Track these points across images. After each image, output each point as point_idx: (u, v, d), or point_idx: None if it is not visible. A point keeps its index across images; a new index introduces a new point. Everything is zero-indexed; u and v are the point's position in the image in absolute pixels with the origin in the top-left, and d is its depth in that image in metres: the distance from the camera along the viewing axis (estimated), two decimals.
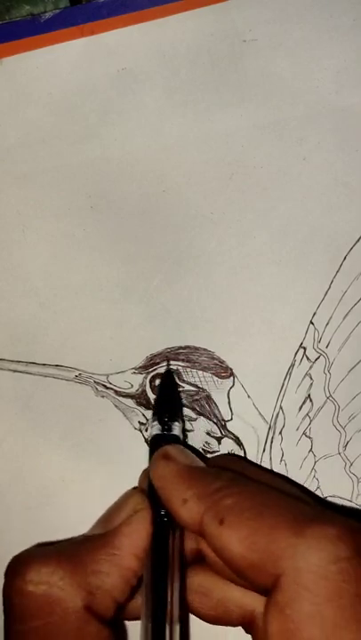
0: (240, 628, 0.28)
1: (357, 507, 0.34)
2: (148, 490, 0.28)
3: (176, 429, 0.30)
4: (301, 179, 0.32)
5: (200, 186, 0.32)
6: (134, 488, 0.30)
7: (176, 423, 0.30)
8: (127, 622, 0.31)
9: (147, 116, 0.31)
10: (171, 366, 0.33)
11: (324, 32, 0.30)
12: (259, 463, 0.34)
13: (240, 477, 0.26)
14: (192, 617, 0.29)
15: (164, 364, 0.33)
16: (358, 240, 0.32)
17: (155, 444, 0.30)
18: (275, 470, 0.34)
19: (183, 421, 0.32)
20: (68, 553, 0.26)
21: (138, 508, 0.28)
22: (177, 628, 0.25)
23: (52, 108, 0.31)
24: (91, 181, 0.32)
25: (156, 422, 0.30)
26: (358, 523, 0.23)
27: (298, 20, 0.31)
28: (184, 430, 0.32)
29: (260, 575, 0.23)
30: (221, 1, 0.30)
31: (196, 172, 0.32)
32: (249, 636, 0.27)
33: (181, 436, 0.31)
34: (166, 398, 0.32)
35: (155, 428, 0.30)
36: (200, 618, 0.28)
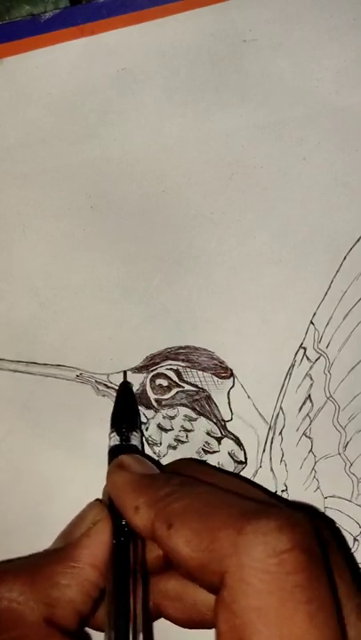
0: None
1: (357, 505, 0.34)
2: (108, 500, 0.29)
3: (134, 439, 0.31)
4: (301, 179, 0.32)
5: (200, 186, 0.32)
6: (96, 500, 0.30)
7: (134, 433, 0.31)
8: (94, 632, 0.31)
9: (147, 116, 0.31)
10: (127, 378, 0.33)
11: (324, 32, 0.30)
12: (259, 463, 0.34)
13: (190, 481, 0.27)
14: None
15: (164, 364, 0.33)
16: (358, 240, 0.32)
17: (113, 454, 0.30)
18: (274, 470, 0.34)
19: (142, 431, 0.33)
20: (26, 568, 0.27)
21: (96, 520, 0.28)
22: (140, 637, 0.25)
23: (51, 108, 0.31)
24: (91, 181, 0.32)
25: (114, 434, 0.31)
26: (305, 515, 0.23)
27: (298, 20, 0.31)
28: (142, 440, 0.33)
29: (208, 575, 0.23)
30: (221, 1, 0.30)
31: (196, 171, 0.32)
32: None
33: (140, 446, 0.31)
34: (123, 409, 0.32)
35: (113, 440, 0.31)
36: (175, 623, 0.29)
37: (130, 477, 0.27)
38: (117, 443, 0.31)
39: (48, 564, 0.27)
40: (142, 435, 0.33)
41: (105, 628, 0.26)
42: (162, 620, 0.29)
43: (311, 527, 0.23)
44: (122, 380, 0.33)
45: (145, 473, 0.28)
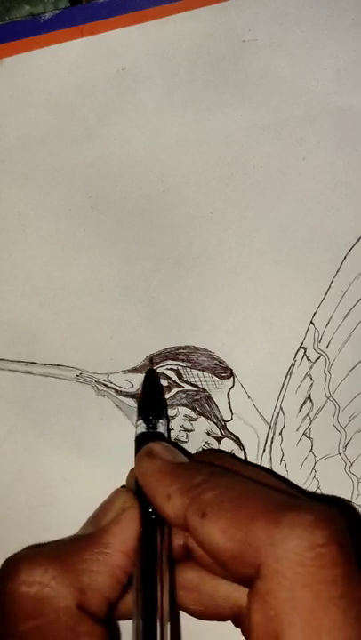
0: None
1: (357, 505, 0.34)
2: (135, 488, 0.29)
3: (161, 427, 0.31)
4: (301, 179, 0.32)
5: (200, 186, 0.32)
6: (122, 487, 0.30)
7: (161, 421, 0.31)
8: (121, 622, 0.32)
9: (146, 116, 0.31)
10: (154, 367, 0.33)
11: (324, 32, 0.30)
12: (259, 463, 0.34)
13: (221, 471, 0.27)
14: (186, 617, 0.29)
15: (164, 364, 0.33)
16: (358, 240, 0.32)
17: (140, 442, 0.30)
18: (274, 470, 0.34)
19: (168, 419, 0.33)
20: (58, 553, 0.27)
21: (126, 507, 0.28)
22: (168, 626, 0.26)
23: (51, 109, 0.31)
24: (91, 182, 0.32)
25: (141, 421, 0.31)
26: (337, 510, 0.24)
27: (298, 20, 0.31)
28: (169, 428, 0.33)
29: (243, 566, 0.23)
30: (221, 1, 0.30)
31: (196, 172, 0.32)
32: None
33: (166, 434, 0.31)
34: (150, 397, 0.32)
35: (140, 427, 0.31)
36: (190, 614, 0.29)
37: (160, 465, 0.27)
38: (144, 430, 0.31)
39: (78, 550, 0.27)
40: (169, 422, 0.33)
41: (133, 615, 0.26)
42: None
43: (343, 523, 0.23)
44: (123, 379, 0.33)
45: (175, 461, 0.28)
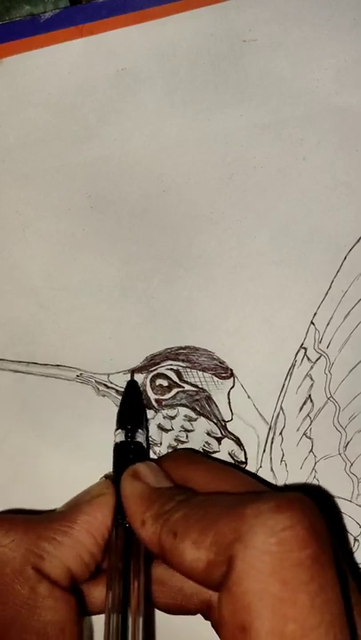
0: None
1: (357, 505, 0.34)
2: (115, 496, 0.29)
3: (139, 436, 0.31)
4: (301, 179, 0.32)
5: (200, 186, 0.32)
6: (105, 477, 0.31)
7: (139, 430, 0.31)
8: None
9: (146, 116, 0.31)
10: (134, 377, 0.33)
11: (324, 32, 0.30)
12: (259, 463, 0.34)
13: (193, 494, 0.27)
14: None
15: (164, 364, 0.33)
16: (358, 240, 0.32)
17: (118, 451, 0.31)
18: (274, 470, 0.34)
19: (147, 429, 0.33)
20: (25, 520, 0.28)
21: (102, 493, 0.29)
22: (140, 620, 0.26)
23: (51, 108, 0.31)
24: (90, 181, 0.32)
25: (119, 430, 0.31)
26: (304, 495, 0.23)
27: (298, 20, 0.30)
28: (147, 438, 0.33)
29: (217, 570, 0.23)
30: (221, 1, 0.30)
31: (196, 172, 0.32)
32: None
33: (145, 443, 0.32)
34: (129, 406, 0.32)
35: (118, 436, 0.31)
36: (159, 609, 0.29)
37: (140, 489, 0.28)
38: (123, 439, 0.31)
39: (46, 520, 0.28)
40: (148, 432, 0.33)
41: (105, 610, 0.26)
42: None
43: (312, 505, 0.23)
44: (123, 379, 0.33)
45: (155, 486, 0.28)
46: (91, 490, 0.30)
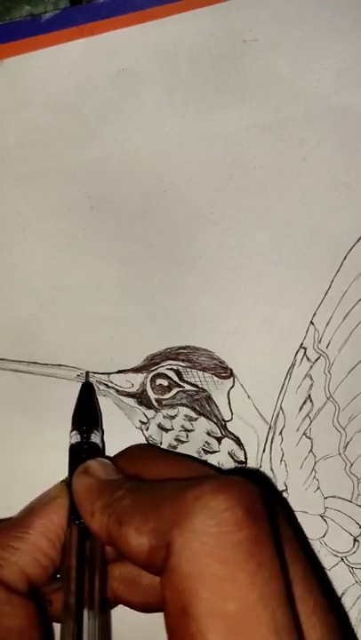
0: None
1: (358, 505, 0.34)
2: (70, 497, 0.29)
3: (95, 437, 0.31)
4: (301, 179, 0.32)
5: (200, 186, 0.32)
6: (62, 481, 0.31)
7: (95, 431, 0.32)
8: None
9: (147, 116, 0.31)
10: (89, 379, 0.33)
11: (325, 32, 0.30)
12: (259, 463, 0.34)
13: (142, 482, 0.27)
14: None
15: (164, 364, 0.33)
16: (358, 240, 0.32)
17: (73, 452, 0.31)
18: (274, 470, 0.34)
19: (102, 431, 0.33)
20: None
21: (57, 496, 0.29)
22: (97, 621, 0.26)
23: (52, 109, 0.31)
24: (91, 182, 0.32)
25: (75, 432, 0.31)
26: (245, 478, 0.23)
27: (298, 20, 0.31)
28: (103, 439, 0.33)
29: (158, 555, 0.23)
30: (222, 1, 0.30)
31: (196, 172, 0.32)
32: None
33: (100, 444, 0.32)
34: (84, 408, 0.32)
35: (74, 437, 0.31)
36: (133, 608, 0.29)
37: (90, 483, 0.28)
38: (78, 440, 0.31)
39: (2, 528, 0.28)
40: (103, 434, 0.33)
41: (61, 611, 0.26)
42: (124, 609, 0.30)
43: (251, 487, 0.23)
44: (123, 380, 0.33)
45: (105, 479, 0.28)
46: (46, 494, 0.30)
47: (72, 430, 0.32)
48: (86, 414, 0.32)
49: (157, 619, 0.28)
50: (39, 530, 0.27)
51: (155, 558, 0.23)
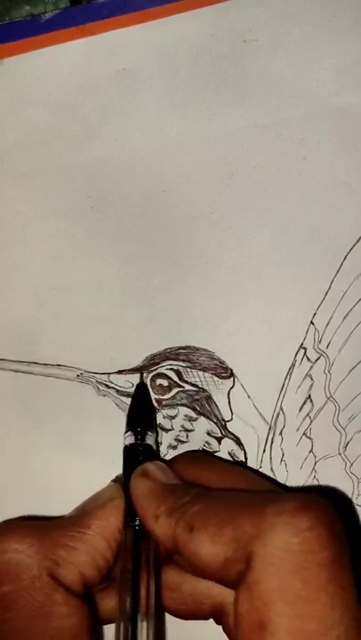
0: None
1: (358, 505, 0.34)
2: (125, 499, 0.29)
3: (149, 439, 0.31)
4: (301, 179, 0.32)
5: (200, 186, 0.32)
6: (114, 481, 0.31)
7: (149, 433, 0.31)
8: None
9: (147, 116, 0.31)
10: (144, 380, 0.33)
11: (325, 32, 0.30)
12: (259, 463, 0.34)
13: (208, 489, 0.27)
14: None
15: (164, 364, 0.33)
16: (358, 240, 0.32)
17: (128, 453, 0.31)
18: (274, 470, 0.34)
19: (157, 432, 0.33)
20: (40, 526, 0.28)
21: (113, 497, 0.29)
22: (151, 625, 0.26)
23: (52, 109, 0.31)
24: (91, 182, 0.32)
25: (129, 433, 0.31)
26: (323, 498, 0.24)
27: (298, 20, 0.30)
28: (157, 440, 0.33)
29: (234, 566, 0.23)
30: (222, 1, 0.30)
31: (196, 172, 0.32)
32: None
33: (155, 446, 0.32)
34: (140, 409, 0.32)
35: (128, 438, 0.31)
36: (172, 614, 0.29)
37: (152, 486, 0.28)
38: (132, 441, 0.31)
39: (60, 526, 0.28)
40: (157, 435, 0.33)
41: (115, 615, 0.26)
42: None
43: (332, 508, 0.23)
44: (123, 379, 0.33)
45: (167, 482, 0.28)
46: (101, 494, 0.30)
47: (126, 431, 0.32)
48: (141, 415, 0.32)
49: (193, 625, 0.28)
50: (97, 530, 0.27)
51: (229, 569, 0.23)
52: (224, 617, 0.27)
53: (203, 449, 0.34)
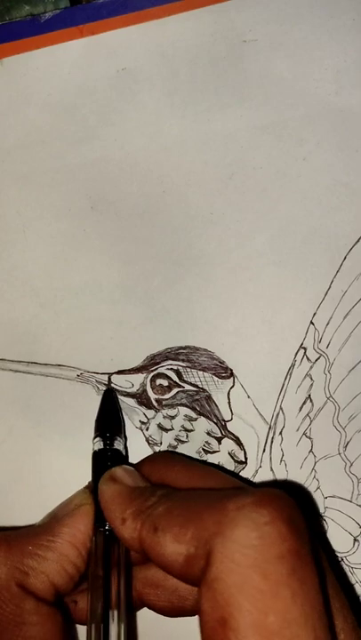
0: None
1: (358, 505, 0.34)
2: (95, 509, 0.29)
3: (118, 444, 0.31)
4: (301, 179, 0.32)
5: (200, 186, 0.32)
6: (86, 487, 0.31)
7: (118, 438, 0.32)
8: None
9: (146, 116, 0.31)
10: (112, 385, 0.33)
11: (325, 32, 0.30)
12: (259, 463, 0.34)
13: (174, 490, 0.27)
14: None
15: (164, 364, 0.33)
16: (358, 240, 0.32)
17: (97, 459, 0.31)
18: (274, 470, 0.34)
19: (125, 437, 0.33)
20: (5, 536, 0.28)
21: (82, 503, 0.29)
22: (122, 628, 0.26)
23: (51, 109, 0.31)
24: (91, 182, 0.32)
25: (98, 439, 0.31)
26: (282, 491, 0.24)
27: (298, 21, 0.30)
28: (126, 446, 0.33)
29: (196, 564, 0.23)
30: (221, 1, 0.30)
31: (196, 172, 0.32)
32: None
33: (124, 451, 0.32)
34: (107, 415, 0.33)
35: (97, 444, 0.31)
36: (157, 611, 0.29)
37: (119, 490, 0.28)
38: (101, 447, 0.31)
39: (28, 536, 0.28)
40: (125, 440, 0.33)
41: (87, 617, 0.26)
42: (148, 611, 0.30)
43: (291, 501, 0.23)
44: (123, 380, 0.33)
45: (134, 485, 0.28)
46: (71, 501, 0.30)
47: (95, 437, 0.32)
48: (109, 421, 0.32)
49: (179, 622, 0.28)
50: (66, 538, 0.27)
51: (192, 567, 0.23)
52: None
53: (203, 449, 0.34)
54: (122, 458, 0.31)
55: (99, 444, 0.31)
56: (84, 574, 0.28)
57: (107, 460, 0.30)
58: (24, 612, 0.26)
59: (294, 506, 0.23)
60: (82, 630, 0.31)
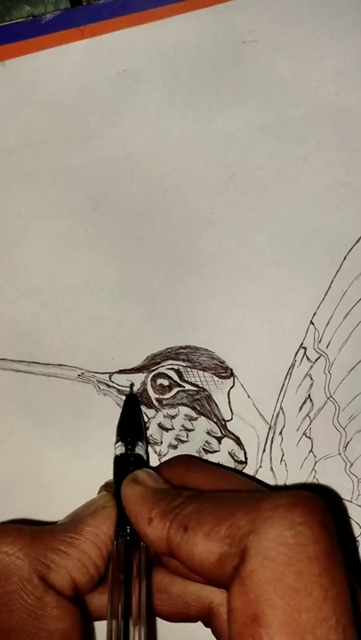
0: None
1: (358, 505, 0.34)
2: (117, 505, 0.29)
3: (139, 449, 0.32)
4: (301, 179, 0.32)
5: (200, 186, 0.32)
6: (105, 486, 0.31)
7: (139, 443, 0.32)
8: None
9: (147, 117, 0.31)
10: (133, 390, 0.34)
11: (325, 32, 0.30)
12: (259, 463, 0.34)
13: (200, 492, 0.27)
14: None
15: (165, 363, 0.33)
16: (358, 240, 0.32)
17: (118, 463, 0.31)
18: (274, 470, 0.34)
19: (147, 442, 0.33)
20: (31, 530, 0.28)
21: (105, 505, 0.29)
22: (141, 629, 0.26)
23: (53, 110, 0.31)
24: (92, 182, 0.32)
25: (119, 443, 0.32)
26: (314, 494, 0.24)
27: (298, 21, 0.31)
28: (147, 450, 0.33)
29: (229, 562, 0.23)
30: (222, 2, 0.30)
31: (197, 172, 0.32)
32: None
33: (145, 456, 0.32)
34: (129, 420, 0.33)
35: (118, 449, 0.32)
36: (161, 617, 0.29)
37: (143, 491, 0.28)
38: (123, 452, 0.31)
39: (52, 532, 0.28)
40: (147, 445, 0.33)
41: (107, 618, 0.26)
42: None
43: (324, 503, 0.24)
44: (124, 379, 0.33)
45: (158, 487, 0.28)
46: (93, 502, 0.30)
47: (117, 442, 0.32)
48: (131, 426, 0.33)
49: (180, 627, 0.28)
50: (89, 537, 0.28)
51: (224, 565, 0.23)
52: (213, 619, 0.28)
53: (203, 448, 0.34)
54: (143, 462, 0.31)
55: (120, 449, 0.31)
56: (104, 576, 0.28)
57: (128, 464, 0.31)
58: (45, 605, 0.26)
59: (326, 508, 0.24)
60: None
